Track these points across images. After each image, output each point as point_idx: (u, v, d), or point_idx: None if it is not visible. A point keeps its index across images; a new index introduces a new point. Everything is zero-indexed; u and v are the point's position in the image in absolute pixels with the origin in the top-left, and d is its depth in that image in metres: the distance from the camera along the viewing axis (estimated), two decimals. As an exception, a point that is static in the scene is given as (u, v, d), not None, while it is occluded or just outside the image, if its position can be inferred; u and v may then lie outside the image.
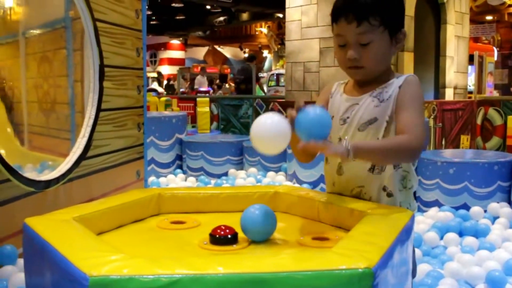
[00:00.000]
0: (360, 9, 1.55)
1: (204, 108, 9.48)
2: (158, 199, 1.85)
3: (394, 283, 1.23)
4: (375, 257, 1.11)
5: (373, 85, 1.68)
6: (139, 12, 4.09)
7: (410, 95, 1.61)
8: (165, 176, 5.45)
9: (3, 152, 6.15)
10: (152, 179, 5.22)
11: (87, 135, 3.42)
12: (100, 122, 3.53)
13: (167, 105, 10.22)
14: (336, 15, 1.60)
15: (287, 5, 7.86)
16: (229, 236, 1.50)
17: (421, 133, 1.57)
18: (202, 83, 16.51)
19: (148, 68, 25.26)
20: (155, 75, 21.73)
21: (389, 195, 1.70)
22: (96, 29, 3.47)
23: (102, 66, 3.54)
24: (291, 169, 4.86)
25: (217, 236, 1.49)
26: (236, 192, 1.90)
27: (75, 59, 4.04)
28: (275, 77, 14.63)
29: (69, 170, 3.22)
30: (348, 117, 1.71)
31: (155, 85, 17.98)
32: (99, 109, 3.51)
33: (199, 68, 20.11)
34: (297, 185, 4.58)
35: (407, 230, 1.44)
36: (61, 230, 1.37)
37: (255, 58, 12.90)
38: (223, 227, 1.53)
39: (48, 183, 3.01)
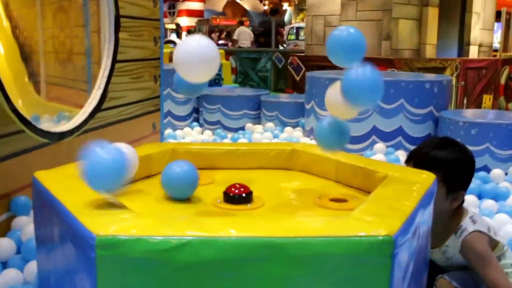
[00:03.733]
0: (428, 160, 1.69)
1: (223, 60, 9.36)
2: (171, 154, 1.80)
3: (415, 250, 1.18)
4: (396, 223, 1.06)
5: (437, 238, 1.69)
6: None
7: (477, 259, 1.66)
8: (182, 129, 5.40)
9: (20, 102, 6.14)
10: (168, 131, 5.18)
11: (102, 86, 3.36)
12: (116, 74, 3.46)
13: None
14: (409, 157, 1.80)
15: (308, -44, 7.61)
16: (244, 195, 1.45)
17: None
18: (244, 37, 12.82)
19: (166, 20, 24.97)
20: (173, 26, 21.48)
21: None
22: (110, -23, 3.36)
23: (117, 17, 3.45)
24: (309, 125, 4.78)
25: (231, 194, 1.45)
26: (252, 149, 1.85)
27: (91, 9, 3.95)
28: (294, 31, 14.38)
29: (84, 122, 3.18)
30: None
31: (173, 37, 17.78)
32: (114, 60, 3.44)
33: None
34: (314, 142, 4.50)
35: (430, 194, 1.37)
36: (70, 185, 1.33)
37: (278, 11, 12.64)
38: (238, 185, 1.48)
39: (63, 135, 2.97)
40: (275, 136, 4.88)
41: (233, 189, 1.46)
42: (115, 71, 3.45)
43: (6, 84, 5.81)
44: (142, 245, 0.98)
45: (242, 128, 5.43)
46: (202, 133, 5.40)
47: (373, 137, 4.21)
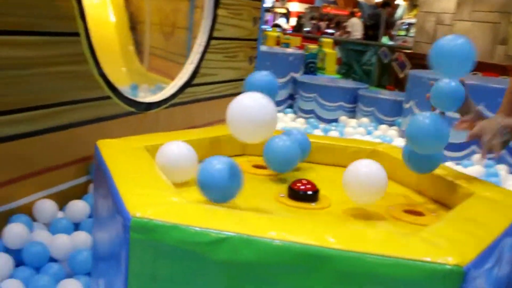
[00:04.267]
0: None
1: (331, 49, 9.15)
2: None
3: (495, 283, 1.00)
4: (472, 252, 0.90)
5: None
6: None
7: None
8: (274, 114, 5.33)
9: (123, 69, 6.32)
10: (260, 115, 5.14)
11: (195, 62, 3.33)
12: (210, 50, 3.43)
13: (285, 44, 9.90)
14: None
15: None
16: (309, 192, 1.33)
17: None
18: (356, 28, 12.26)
19: (277, 4, 24.95)
20: (283, 11, 21.41)
21: None
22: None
23: (218, -8, 3.40)
24: (406, 125, 4.52)
25: (296, 190, 1.33)
26: (329, 143, 1.71)
27: (197, -16, 3.95)
28: (405, 26, 13.84)
29: (173, 95, 3.17)
30: None
31: (281, 21, 17.71)
32: (210, 37, 3.40)
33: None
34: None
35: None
36: (126, 158, 1.27)
37: (389, 4, 12.19)
38: (305, 182, 1.36)
39: (150, 106, 2.97)
40: (368, 133, 4.68)
41: (298, 184, 1.35)
42: (210, 47, 3.42)
43: (112, 51, 5.98)
44: (178, 233, 0.90)
45: (336, 120, 5.27)
46: (294, 120, 5.29)
47: (474, 146, 3.91)
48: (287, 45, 9.17)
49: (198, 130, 1.68)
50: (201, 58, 3.37)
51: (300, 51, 6.26)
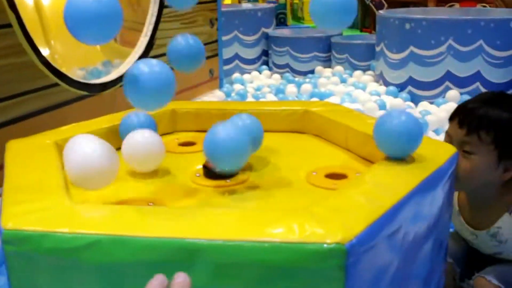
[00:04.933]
0: (476, 119, 1.38)
1: (310, -3, 8.90)
2: (171, 115, 1.65)
3: (400, 255, 0.95)
4: (359, 224, 0.85)
5: (483, 217, 1.48)
6: None
7: None
8: (249, 73, 5.23)
9: (98, 47, 6.18)
10: (236, 75, 5.03)
11: (149, 33, 3.25)
12: (164, 20, 3.33)
13: None
14: (454, 114, 1.46)
15: None
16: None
17: None
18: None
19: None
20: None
21: None
22: None
23: (164, -44, 3.28)
24: (379, 69, 4.44)
25: (209, 168, 1.28)
26: (259, 109, 1.65)
27: None
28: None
29: (129, 71, 3.09)
30: (473, 242, 1.55)
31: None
32: (162, 5, 3.30)
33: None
34: (383, 87, 4.19)
35: (441, 174, 1.13)
36: (26, 159, 1.22)
37: None
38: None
39: (104, 86, 2.90)
40: (343, 81, 4.59)
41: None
42: (163, 16, 3.32)
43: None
44: (49, 241, 0.85)
45: (312, 72, 5.18)
46: (270, 77, 5.20)
47: (447, 83, 3.83)
48: None
49: (120, 114, 1.62)
50: (155, 29, 3.28)
51: (269, 5, 6.10)
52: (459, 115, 1.41)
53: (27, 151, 1.27)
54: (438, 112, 3.47)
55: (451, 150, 1.23)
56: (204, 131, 1.62)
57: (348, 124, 1.45)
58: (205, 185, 1.25)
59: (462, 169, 1.36)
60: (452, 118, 1.45)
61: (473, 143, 1.37)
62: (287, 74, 5.10)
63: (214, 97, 3.84)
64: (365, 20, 9.30)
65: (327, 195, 1.16)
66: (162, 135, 1.62)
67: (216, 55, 4.09)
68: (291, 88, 4.31)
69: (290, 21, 9.19)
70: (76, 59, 5.36)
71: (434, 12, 4.42)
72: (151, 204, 1.12)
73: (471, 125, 1.37)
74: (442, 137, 3.13)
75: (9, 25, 2.29)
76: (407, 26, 3.95)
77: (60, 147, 1.33)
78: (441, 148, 1.24)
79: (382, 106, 3.53)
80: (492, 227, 1.45)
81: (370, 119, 1.47)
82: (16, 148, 1.29)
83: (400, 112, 1.17)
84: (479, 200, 1.48)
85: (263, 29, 5.53)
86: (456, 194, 1.54)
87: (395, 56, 4.08)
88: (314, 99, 3.95)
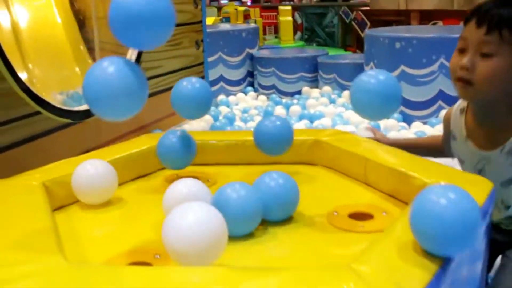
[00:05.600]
0: (497, 17, 1.26)
1: (286, 17, 8.82)
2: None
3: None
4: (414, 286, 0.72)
5: (497, 133, 1.34)
6: None
7: None
8: (235, 95, 5.11)
9: (77, 70, 6.04)
10: (221, 97, 4.91)
11: (133, 57, 3.11)
12: (149, 42, 3.19)
13: (225, 18, 9.49)
14: (470, 16, 1.33)
15: None
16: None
17: None
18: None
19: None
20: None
21: None
22: None
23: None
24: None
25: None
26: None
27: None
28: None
29: (114, 96, 2.94)
30: (481, 170, 1.38)
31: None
32: (146, 28, 3.16)
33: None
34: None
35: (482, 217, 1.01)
36: (12, 205, 1.07)
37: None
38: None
39: (88, 113, 2.74)
40: (332, 101, 4.50)
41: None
42: (148, 39, 3.18)
43: (63, 53, 5.71)
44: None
45: (299, 92, 5.08)
46: (256, 98, 5.09)
47: (439, 102, 3.75)
48: (227, 20, 8.89)
49: (114, 147, 1.47)
50: (140, 52, 3.14)
51: (253, 25, 6.02)
52: (477, 14, 1.30)
53: (12, 195, 1.12)
54: (432, 133, 3.38)
55: (488, 186, 1.11)
56: (210, 164, 1.51)
57: (366, 155, 1.32)
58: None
59: (481, 74, 1.26)
60: (468, 19, 1.34)
61: (494, 43, 1.26)
62: (274, 95, 4.99)
63: (202, 121, 3.71)
64: (346, 38, 9.30)
65: (358, 240, 1.04)
66: (159, 170, 1.49)
67: (203, 77, 3.96)
68: (279, 110, 4.20)
69: (262, 41, 9.10)
70: (55, 83, 5.20)
71: (421, 31, 4.36)
72: (158, 256, 0.98)
73: (492, 22, 1.26)
74: (438, 159, 3.06)
75: (-13, 51, 2.15)
76: (397, 45, 3.88)
77: (48, 188, 1.19)
78: (478, 184, 1.11)
79: (376, 128, 3.42)
80: (507, 143, 1.31)
81: (389, 149, 1.35)
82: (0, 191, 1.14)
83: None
84: (492, 115, 1.35)
85: (248, 50, 5.43)
86: (462, 118, 1.43)
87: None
88: (304, 121, 3.84)
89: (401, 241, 0.86)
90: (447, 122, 1.52)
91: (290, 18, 8.88)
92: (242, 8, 9.56)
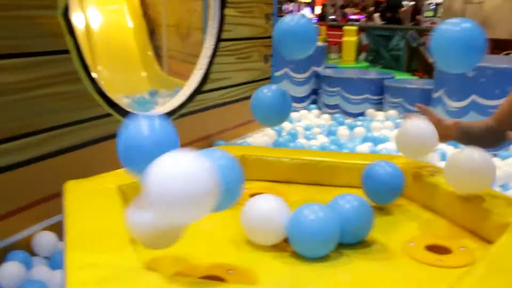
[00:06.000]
0: None
1: (350, 37, 8.74)
2: (241, 162, 1.50)
3: None
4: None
5: None
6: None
7: None
8: (298, 111, 5.09)
9: (143, 74, 6.18)
10: (283, 113, 4.91)
11: (203, 67, 3.14)
12: (220, 53, 3.23)
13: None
14: None
15: None
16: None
17: None
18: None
19: (301, -7, 24.58)
20: (307, 0, 21.07)
21: None
22: None
23: (224, -9, 3.20)
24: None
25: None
26: (339, 162, 1.49)
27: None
28: (433, 7, 13.36)
29: (182, 105, 2.98)
30: None
31: (305, 11, 17.39)
32: (219, 39, 3.20)
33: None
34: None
35: None
36: (88, 208, 1.09)
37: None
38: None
39: (156, 118, 2.77)
40: (397, 125, 4.41)
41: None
42: (219, 50, 3.22)
43: (132, 57, 5.85)
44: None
45: (363, 114, 5.01)
46: (319, 116, 5.05)
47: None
48: None
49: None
50: (211, 62, 3.17)
51: (320, 44, 5.99)
52: None
53: (89, 197, 1.13)
54: (503, 166, 3.26)
55: None
56: (276, 181, 1.49)
57: (448, 189, 1.27)
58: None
59: None
60: None
61: None
62: (337, 115, 4.94)
63: (265, 135, 3.70)
64: (411, 63, 9.14)
65: (435, 275, 0.99)
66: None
67: (268, 92, 3.97)
68: (343, 131, 4.15)
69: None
70: (122, 86, 5.33)
71: (494, 60, 4.23)
72: (231, 271, 0.96)
73: None
74: (510, 192, 2.95)
75: (67, 51, 2.21)
76: (470, 73, 3.77)
77: (124, 193, 1.20)
78: None
79: (443, 157, 3.33)
80: None
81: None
82: (76, 191, 1.16)
83: None
84: None
85: (314, 68, 5.41)
86: None
87: (455, 104, 3.89)
88: (368, 143, 3.78)
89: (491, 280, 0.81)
90: None
91: (354, 38, 8.75)
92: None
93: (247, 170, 1.50)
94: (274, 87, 1.36)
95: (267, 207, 1.05)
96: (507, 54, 6.56)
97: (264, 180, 1.49)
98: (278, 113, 1.35)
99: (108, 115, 2.47)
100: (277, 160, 1.49)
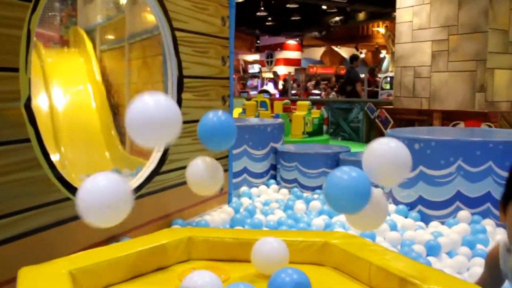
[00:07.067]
0: None
1: (300, 112, 8.85)
2: (187, 243, 1.62)
3: None
4: None
5: None
6: (225, 19, 3.90)
7: None
8: (257, 187, 5.23)
9: (107, 154, 6.23)
10: (243, 189, 5.03)
11: (161, 149, 3.28)
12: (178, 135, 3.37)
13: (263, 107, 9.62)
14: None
15: (397, 5, 7.34)
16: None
17: None
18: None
19: (264, 68, 25.37)
20: (271, 75, 21.76)
21: None
22: (175, 39, 3.32)
23: (180, 77, 3.39)
24: (388, 187, 4.45)
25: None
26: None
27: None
28: (389, 80, 13.97)
29: (140, 186, 3.09)
30: None
31: (269, 86, 17.94)
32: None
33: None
34: (393, 205, 4.17)
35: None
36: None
37: (357, 58, 12.40)
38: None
39: (115, 200, 2.87)
40: (352, 198, 4.57)
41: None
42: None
43: (95, 137, 5.94)
44: None
45: (320, 187, 5.18)
46: (278, 191, 5.20)
47: (457, 203, 3.80)
48: (244, 111, 9.12)
49: (135, 240, 1.59)
50: (166, 149, 3.31)
51: (278, 120, 6.23)
52: None
53: (40, 283, 1.23)
54: (450, 234, 3.42)
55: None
56: (220, 260, 1.60)
57: (370, 259, 1.41)
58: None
59: None
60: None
61: None
62: (295, 189, 5.09)
63: (223, 212, 3.81)
64: (371, 134, 9.49)
65: None
66: (177, 263, 1.59)
67: (227, 170, 4.11)
68: (299, 205, 4.29)
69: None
70: (85, 166, 5.39)
71: (441, 132, 4.49)
72: None
73: None
74: (455, 260, 3.09)
75: (28, 140, 2.33)
76: (416, 146, 3.99)
77: (74, 276, 1.30)
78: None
79: (393, 227, 3.48)
80: None
81: (392, 255, 1.44)
82: (28, 278, 1.25)
83: None
84: None
85: (272, 144, 5.61)
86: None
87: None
88: (323, 216, 3.92)
89: None
90: (494, 263, 1.52)
91: (303, 113, 8.77)
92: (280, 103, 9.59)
93: (194, 250, 1.62)
94: (219, 112, 1.49)
95: (201, 283, 1.16)
96: (456, 124, 6.91)
97: (210, 259, 1.60)
98: (224, 136, 1.48)
99: (68, 199, 2.56)
100: (220, 240, 1.61)
